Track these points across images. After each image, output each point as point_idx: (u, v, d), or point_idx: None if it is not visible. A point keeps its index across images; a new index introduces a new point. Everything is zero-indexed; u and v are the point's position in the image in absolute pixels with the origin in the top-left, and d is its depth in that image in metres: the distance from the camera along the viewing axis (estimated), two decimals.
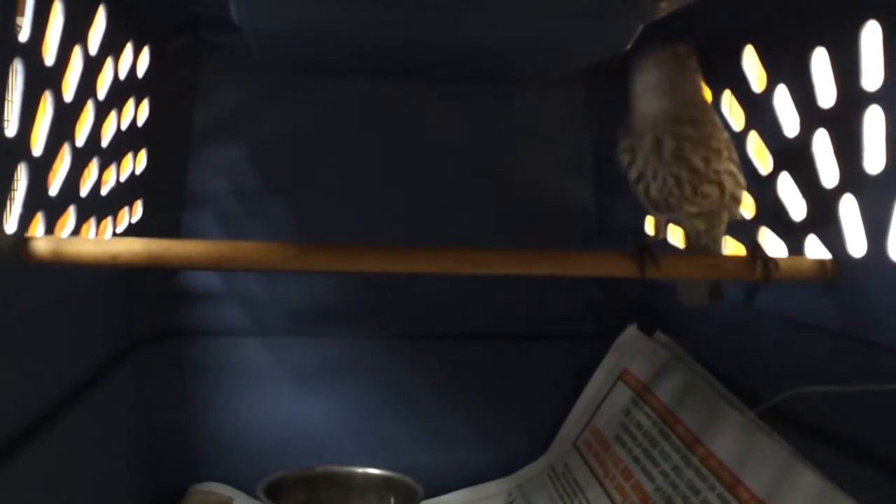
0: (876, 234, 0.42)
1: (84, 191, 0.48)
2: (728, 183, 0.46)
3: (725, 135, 0.46)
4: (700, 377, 0.58)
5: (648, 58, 0.46)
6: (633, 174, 0.47)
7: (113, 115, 0.52)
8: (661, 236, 0.52)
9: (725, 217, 0.49)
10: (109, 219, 0.54)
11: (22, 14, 0.38)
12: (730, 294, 0.54)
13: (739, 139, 0.53)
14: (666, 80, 0.45)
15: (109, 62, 0.50)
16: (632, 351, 0.67)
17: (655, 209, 0.49)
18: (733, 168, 0.46)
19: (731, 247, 0.57)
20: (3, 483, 0.37)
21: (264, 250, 0.42)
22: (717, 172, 0.45)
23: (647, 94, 0.46)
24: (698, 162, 0.45)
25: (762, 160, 0.52)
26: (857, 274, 0.44)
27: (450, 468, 0.69)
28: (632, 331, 0.69)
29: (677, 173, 0.45)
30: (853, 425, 0.44)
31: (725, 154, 0.45)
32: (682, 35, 0.54)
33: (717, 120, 0.46)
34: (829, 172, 0.46)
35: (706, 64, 0.58)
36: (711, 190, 0.46)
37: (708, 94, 0.58)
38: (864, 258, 0.43)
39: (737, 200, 0.47)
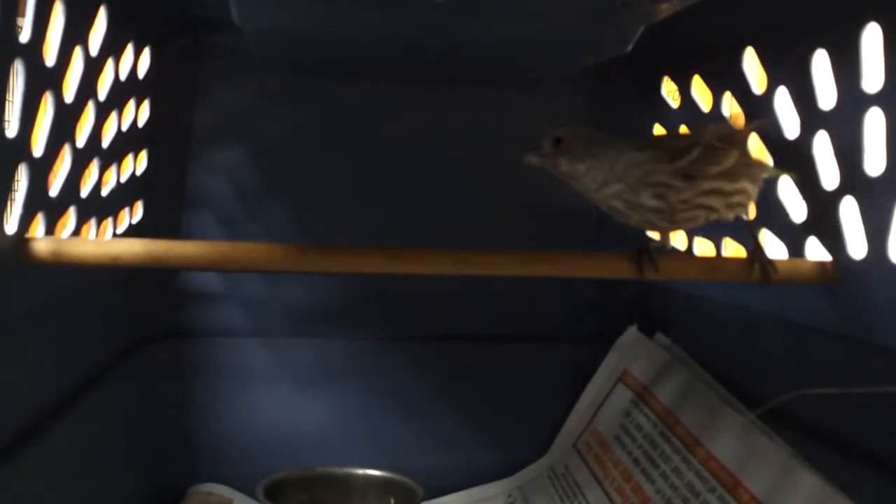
0: (876, 236, 0.42)
1: (84, 191, 0.48)
2: (715, 202, 0.44)
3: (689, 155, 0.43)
4: (700, 379, 0.58)
5: (536, 156, 0.46)
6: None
7: (113, 115, 0.52)
8: (662, 242, 0.52)
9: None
10: (110, 219, 0.54)
11: (23, 15, 0.38)
12: (730, 294, 0.54)
13: None
14: (561, 171, 0.45)
15: (110, 63, 0.50)
16: (632, 352, 0.67)
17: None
18: (719, 184, 0.44)
19: (732, 248, 0.57)
20: (3, 483, 0.37)
21: (264, 251, 0.42)
22: (685, 202, 0.43)
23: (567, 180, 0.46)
24: (651, 201, 0.43)
25: None
26: (857, 276, 0.44)
27: (450, 469, 0.69)
28: (632, 332, 0.69)
29: (645, 215, 0.44)
30: (853, 427, 0.44)
31: (683, 183, 0.43)
32: (682, 36, 0.54)
33: (653, 152, 0.44)
34: (829, 174, 0.46)
35: (707, 65, 0.58)
36: (694, 214, 0.44)
37: (709, 99, 0.58)
38: (864, 260, 0.43)
39: (741, 206, 0.46)
